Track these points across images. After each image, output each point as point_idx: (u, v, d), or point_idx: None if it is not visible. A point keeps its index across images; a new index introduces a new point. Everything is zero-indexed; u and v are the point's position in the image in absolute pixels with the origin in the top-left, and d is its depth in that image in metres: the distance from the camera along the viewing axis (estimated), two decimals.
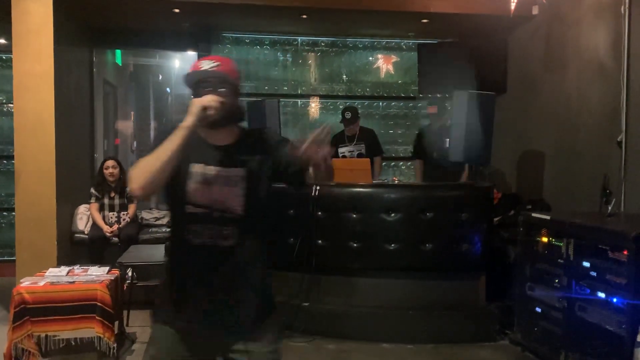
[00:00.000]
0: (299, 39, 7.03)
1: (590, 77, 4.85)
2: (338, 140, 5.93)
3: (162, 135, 1.94)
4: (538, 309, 3.94)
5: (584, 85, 4.94)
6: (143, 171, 1.85)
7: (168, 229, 2.11)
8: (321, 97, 7.10)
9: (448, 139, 4.96)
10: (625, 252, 3.11)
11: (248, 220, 1.99)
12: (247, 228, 1.99)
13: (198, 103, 1.92)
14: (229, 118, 2.00)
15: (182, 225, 1.98)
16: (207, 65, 2.01)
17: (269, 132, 2.20)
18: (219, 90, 1.98)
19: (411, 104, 7.19)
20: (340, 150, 5.88)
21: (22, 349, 3.76)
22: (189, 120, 1.89)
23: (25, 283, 3.90)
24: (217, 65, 2.01)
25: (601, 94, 4.68)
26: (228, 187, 1.99)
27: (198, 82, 2.02)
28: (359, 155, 5.79)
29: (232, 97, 2.01)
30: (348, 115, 5.80)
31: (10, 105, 6.53)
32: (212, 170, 1.98)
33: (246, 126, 2.15)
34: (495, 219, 5.13)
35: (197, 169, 1.98)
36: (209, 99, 1.93)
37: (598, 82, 4.73)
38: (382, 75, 7.15)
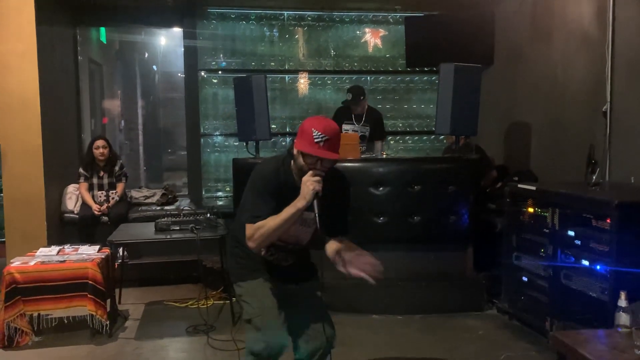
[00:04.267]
0: (285, 13, 6.95)
1: (575, 48, 4.86)
2: (343, 115, 5.72)
3: (266, 192, 2.38)
4: (524, 278, 4.02)
5: (569, 56, 4.95)
6: (262, 238, 2.36)
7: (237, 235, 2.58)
8: (309, 72, 7.06)
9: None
10: (608, 220, 3.16)
11: (308, 246, 2.62)
12: (305, 251, 2.66)
13: (310, 189, 2.27)
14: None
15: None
16: (319, 139, 2.30)
17: (347, 181, 2.62)
18: (326, 165, 2.36)
19: (399, 78, 7.18)
20: (345, 127, 5.69)
21: (15, 328, 3.80)
22: (302, 203, 2.29)
23: (16, 263, 3.92)
24: (327, 140, 2.31)
25: (586, 64, 4.70)
26: (304, 226, 2.49)
27: (310, 154, 2.34)
28: (362, 137, 5.64)
29: (334, 160, 2.37)
30: (349, 96, 5.59)
31: None
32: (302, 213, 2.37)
33: None
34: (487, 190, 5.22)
35: None
36: (318, 184, 2.28)
37: (583, 52, 4.74)
38: (370, 49, 7.11)
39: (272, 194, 2.38)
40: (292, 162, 2.44)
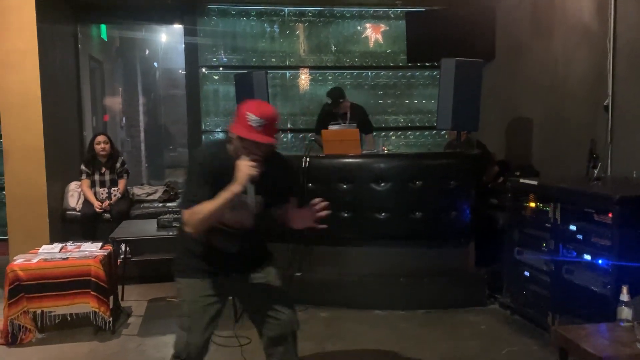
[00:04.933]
0: (286, 9, 6.94)
1: (576, 42, 4.85)
2: (327, 115, 5.78)
3: (202, 177, 2.35)
4: (526, 273, 4.01)
5: (570, 50, 4.94)
6: (198, 222, 2.33)
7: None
8: (310, 68, 7.06)
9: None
10: (610, 215, 3.16)
11: (254, 230, 2.54)
12: (252, 235, 2.56)
13: (245, 173, 2.27)
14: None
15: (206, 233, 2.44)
16: (255, 124, 2.29)
17: (288, 162, 2.65)
18: (262, 150, 2.34)
19: (400, 73, 7.17)
20: (331, 127, 5.78)
21: (19, 325, 3.81)
22: (237, 188, 2.28)
23: (19, 260, 3.93)
24: (262, 125, 2.29)
25: (587, 58, 4.69)
26: (247, 210, 2.45)
27: (244, 139, 2.32)
28: None
29: (271, 145, 2.37)
30: (329, 101, 5.67)
31: None
32: (238, 197, 2.33)
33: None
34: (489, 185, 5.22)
35: None
36: (253, 169, 2.28)
37: (584, 47, 4.73)
38: (371, 44, 7.11)
39: (208, 178, 2.35)
40: (228, 144, 2.42)
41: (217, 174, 2.35)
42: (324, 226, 2.45)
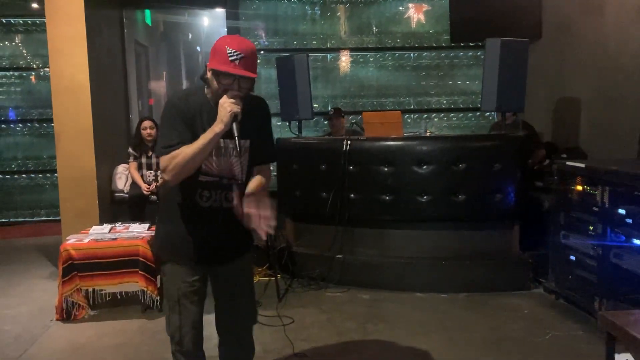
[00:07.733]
0: None
1: (630, 19, 4.66)
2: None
3: (178, 119, 2.13)
4: (572, 257, 3.94)
5: (623, 27, 4.75)
6: (179, 167, 2.09)
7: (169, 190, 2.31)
8: (351, 50, 7.01)
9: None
10: None
11: (245, 184, 2.26)
12: (243, 191, 2.23)
13: (227, 110, 2.06)
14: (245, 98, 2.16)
15: (193, 190, 2.25)
16: (234, 57, 2.07)
17: (264, 102, 2.40)
18: (243, 86, 2.13)
19: (443, 54, 7.06)
20: None
21: (72, 302, 3.99)
22: (220, 127, 2.07)
23: (71, 240, 4.09)
24: (242, 58, 2.07)
25: None
26: (236, 157, 2.24)
27: (224, 74, 2.10)
28: None
29: (252, 81, 2.17)
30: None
31: (46, 69, 6.67)
32: (224, 142, 2.19)
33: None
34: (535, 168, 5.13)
35: None
36: (236, 105, 2.07)
37: (638, 24, 4.55)
38: (413, 25, 7.00)
39: (185, 122, 2.14)
40: (206, 88, 2.20)
41: (194, 118, 2.16)
42: (264, 239, 2.28)
